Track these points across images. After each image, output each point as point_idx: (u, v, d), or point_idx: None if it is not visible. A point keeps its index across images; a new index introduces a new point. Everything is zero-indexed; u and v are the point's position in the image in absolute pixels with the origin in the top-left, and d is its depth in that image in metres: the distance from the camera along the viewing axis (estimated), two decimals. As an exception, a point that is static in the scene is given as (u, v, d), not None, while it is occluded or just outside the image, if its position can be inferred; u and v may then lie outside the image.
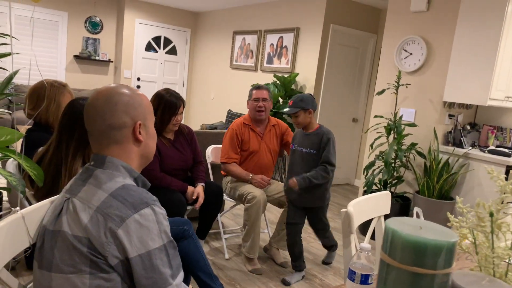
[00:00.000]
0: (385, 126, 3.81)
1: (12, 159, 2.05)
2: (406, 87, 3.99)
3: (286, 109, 2.63)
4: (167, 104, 2.61)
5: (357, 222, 1.51)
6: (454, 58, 3.61)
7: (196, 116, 7.76)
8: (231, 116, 6.22)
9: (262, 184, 2.97)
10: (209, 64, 7.39)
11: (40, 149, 1.90)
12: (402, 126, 3.73)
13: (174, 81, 7.85)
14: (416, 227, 0.66)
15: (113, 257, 0.99)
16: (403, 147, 3.75)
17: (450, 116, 3.85)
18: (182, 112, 2.71)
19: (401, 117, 3.80)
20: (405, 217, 0.71)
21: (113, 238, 0.98)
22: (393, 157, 3.72)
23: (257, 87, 3.08)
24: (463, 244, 0.82)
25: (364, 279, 1.01)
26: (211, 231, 3.46)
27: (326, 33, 5.12)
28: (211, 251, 3.13)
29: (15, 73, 2.84)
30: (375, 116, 3.99)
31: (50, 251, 1.02)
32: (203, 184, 2.80)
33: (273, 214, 4.15)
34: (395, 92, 3.83)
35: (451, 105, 3.83)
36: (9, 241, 1.01)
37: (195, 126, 7.48)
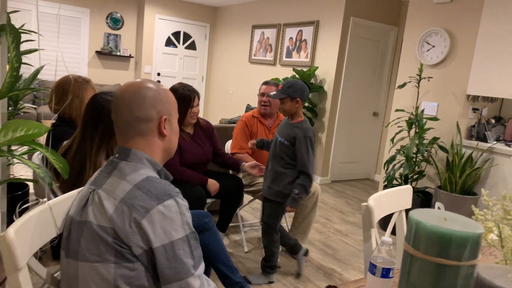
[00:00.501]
0: (406, 120, 3.75)
1: (37, 152, 2.11)
2: (428, 80, 3.91)
3: (272, 93, 2.50)
4: (181, 97, 2.63)
5: (377, 216, 1.50)
6: (479, 50, 3.52)
7: (215, 111, 7.80)
8: (250, 110, 6.23)
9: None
10: (228, 59, 7.41)
11: (65, 143, 1.95)
12: (424, 120, 3.67)
13: (193, 76, 7.90)
14: (441, 218, 0.66)
15: (137, 247, 1.01)
16: (425, 142, 3.68)
17: (474, 109, 3.76)
18: (197, 105, 2.72)
19: (422, 111, 3.73)
20: (429, 208, 0.70)
21: (137, 228, 1.01)
22: (414, 151, 3.66)
23: (265, 82, 3.12)
24: (488, 238, 0.81)
25: (385, 272, 1.01)
26: (230, 224, 3.49)
27: (346, 26, 5.06)
28: (230, 244, 3.16)
29: (40, 68, 2.92)
30: (396, 110, 3.93)
31: (76, 240, 1.05)
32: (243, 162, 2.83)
33: (292, 208, 4.15)
34: (417, 85, 3.76)
35: (475, 98, 3.74)
36: (38, 231, 1.05)
37: (214, 121, 7.52)
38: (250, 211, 3.92)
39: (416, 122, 3.66)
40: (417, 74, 3.72)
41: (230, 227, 3.44)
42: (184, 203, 1.10)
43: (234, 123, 6.08)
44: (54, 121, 2.49)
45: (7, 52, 1.71)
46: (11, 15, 2.07)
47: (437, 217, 0.66)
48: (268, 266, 2.60)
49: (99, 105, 1.81)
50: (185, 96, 2.64)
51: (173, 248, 1.04)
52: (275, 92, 2.46)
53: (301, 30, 5.65)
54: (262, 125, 3.13)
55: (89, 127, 1.79)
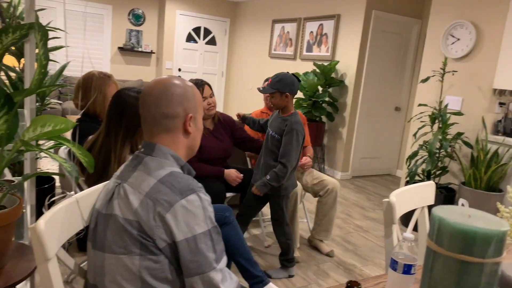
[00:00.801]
0: (429, 115, 3.69)
1: (63, 147, 2.17)
2: (453, 74, 3.83)
3: (259, 88, 2.49)
4: None
5: (399, 212, 1.48)
6: (506, 42, 3.42)
7: (234, 106, 7.83)
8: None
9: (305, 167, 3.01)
10: (248, 54, 7.41)
11: (90, 137, 2.00)
12: (448, 115, 3.59)
13: (213, 71, 7.94)
14: (465, 215, 0.65)
15: (161, 240, 1.04)
16: (449, 137, 3.61)
17: (501, 104, 3.66)
18: (211, 96, 2.67)
19: (446, 106, 3.66)
20: (452, 205, 0.70)
21: (161, 222, 1.03)
22: (437, 147, 3.60)
23: (266, 79, 3.14)
24: (514, 235, 0.80)
25: (407, 269, 1.00)
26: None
27: (368, 19, 4.98)
28: (250, 238, 3.18)
29: (65, 65, 2.99)
30: (419, 105, 3.86)
31: (103, 233, 1.08)
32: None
33: (312, 204, 4.14)
34: (441, 79, 3.69)
35: (501, 92, 3.63)
36: (66, 223, 1.09)
37: (233, 116, 7.56)
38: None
39: (439, 117, 3.59)
40: (441, 68, 3.65)
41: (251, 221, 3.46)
42: (207, 198, 1.12)
43: (254, 118, 6.09)
44: (79, 117, 2.56)
45: (35, 49, 1.76)
46: (38, 13, 2.13)
47: (461, 214, 0.65)
48: (286, 260, 2.61)
49: (122, 100, 1.85)
50: None
51: (195, 242, 1.06)
52: (262, 88, 2.47)
53: (321, 24, 5.60)
54: None
55: (113, 122, 1.83)
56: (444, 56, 3.78)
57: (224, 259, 1.14)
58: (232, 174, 2.69)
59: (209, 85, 2.67)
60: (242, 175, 2.70)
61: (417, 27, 5.37)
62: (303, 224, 3.56)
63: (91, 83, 2.41)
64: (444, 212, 0.66)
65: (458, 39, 3.79)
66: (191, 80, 2.66)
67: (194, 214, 1.06)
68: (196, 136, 1.23)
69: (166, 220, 1.03)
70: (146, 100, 1.16)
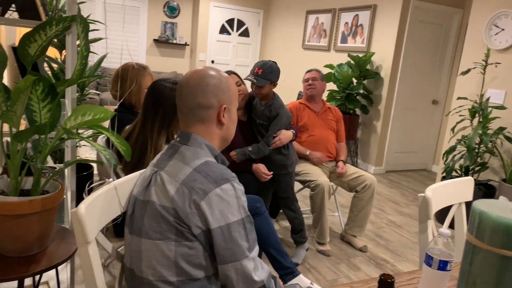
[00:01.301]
0: (469, 109, 3.55)
1: (101, 136, 2.25)
2: (496, 66, 3.66)
3: (253, 80, 2.45)
4: None
5: (435, 208, 1.45)
6: (555, 33, 3.23)
7: (268, 98, 7.82)
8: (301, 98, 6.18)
9: (322, 160, 3.01)
10: (281, 45, 7.36)
11: (127, 127, 2.06)
12: (489, 109, 3.45)
13: (246, 63, 7.95)
14: (507, 209, 0.63)
15: (196, 227, 1.06)
16: (489, 131, 3.47)
17: (547, 98, 3.47)
18: (238, 84, 2.63)
19: (488, 99, 3.51)
20: (494, 199, 0.67)
21: (196, 209, 1.06)
22: (477, 142, 3.47)
23: (308, 70, 3.22)
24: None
25: (442, 265, 0.98)
26: (280, 210, 3.52)
27: (405, 9, 4.83)
28: (281, 230, 3.19)
29: (103, 57, 3.08)
30: (458, 98, 3.73)
31: (140, 218, 1.12)
32: (293, 133, 2.84)
33: (344, 198, 4.10)
34: (483, 72, 3.54)
35: (548, 85, 3.45)
36: (105, 208, 1.13)
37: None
38: (301, 198, 3.93)
39: (480, 110, 3.45)
40: (483, 60, 3.50)
41: (281, 213, 3.47)
42: (240, 187, 1.13)
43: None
44: (116, 107, 2.63)
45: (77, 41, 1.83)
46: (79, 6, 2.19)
47: (503, 208, 0.63)
48: (299, 236, 2.71)
49: (158, 91, 1.89)
50: None
51: (229, 230, 1.07)
52: (256, 80, 2.44)
53: (357, 15, 5.48)
54: (310, 110, 3.13)
55: (149, 113, 1.88)
56: (487, 47, 3.61)
57: (256, 249, 1.15)
58: (260, 169, 2.69)
59: (236, 74, 2.67)
60: (271, 173, 2.67)
61: (458, 16, 5.15)
62: (335, 218, 3.53)
63: (127, 74, 2.48)
64: (486, 205, 0.64)
65: (503, 29, 3.61)
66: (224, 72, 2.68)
67: (228, 203, 1.08)
68: (230, 127, 1.24)
69: (201, 208, 1.06)
70: (183, 91, 1.18)
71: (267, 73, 2.44)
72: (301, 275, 2.02)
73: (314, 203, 2.78)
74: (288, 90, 7.11)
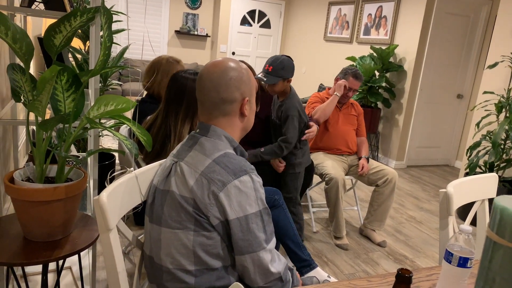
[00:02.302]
0: (495, 103, 3.45)
1: (124, 126, 2.29)
2: (525, 59, 3.54)
3: (263, 78, 2.31)
4: None
5: (456, 204, 1.42)
6: None
7: (288, 90, 7.78)
8: (323, 90, 6.12)
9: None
10: (302, 37, 7.30)
11: (148, 118, 2.09)
12: (517, 104, 3.34)
13: (267, 55, 7.92)
14: None
15: (215, 218, 1.08)
16: (516, 127, 3.36)
17: None
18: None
19: (515, 94, 3.40)
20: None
21: (215, 200, 1.07)
22: (503, 137, 3.37)
23: (356, 76, 2.96)
24: None
25: (463, 262, 0.96)
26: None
27: (431, 1, 4.71)
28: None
29: (126, 48, 3.12)
30: (485, 92, 3.62)
31: (160, 207, 1.14)
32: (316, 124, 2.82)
33: (363, 192, 4.06)
34: (511, 65, 3.42)
35: None
36: (126, 197, 1.15)
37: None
38: (320, 192, 3.91)
39: (507, 105, 3.35)
40: (512, 53, 3.38)
41: (299, 206, 3.47)
42: (258, 179, 1.14)
43: (305, 103, 6.03)
44: (139, 98, 2.68)
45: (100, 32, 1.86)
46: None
47: (526, 205, 0.61)
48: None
49: (181, 83, 1.92)
50: None
51: (247, 221, 1.08)
52: (266, 78, 2.30)
53: (381, 6, 5.38)
54: None
55: (173, 104, 1.91)
56: (516, 40, 3.49)
57: (274, 241, 1.16)
58: (276, 161, 2.69)
59: (249, 66, 2.67)
60: (284, 163, 2.67)
61: (486, 8, 4.99)
62: (354, 212, 3.51)
63: (159, 67, 2.53)
64: (508, 201, 0.63)
65: (533, 21, 3.48)
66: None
67: (246, 195, 1.08)
68: (250, 117, 1.26)
69: (219, 199, 1.07)
70: (205, 85, 1.18)
71: (278, 69, 2.30)
72: (318, 268, 2.02)
73: (328, 197, 2.77)
74: (309, 82, 7.06)
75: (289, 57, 2.37)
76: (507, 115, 3.37)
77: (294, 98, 2.46)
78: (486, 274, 0.65)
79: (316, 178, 3.96)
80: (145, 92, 2.65)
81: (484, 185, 1.57)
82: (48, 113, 1.81)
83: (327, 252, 2.76)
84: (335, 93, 2.93)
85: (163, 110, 1.95)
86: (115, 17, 3.75)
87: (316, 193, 3.89)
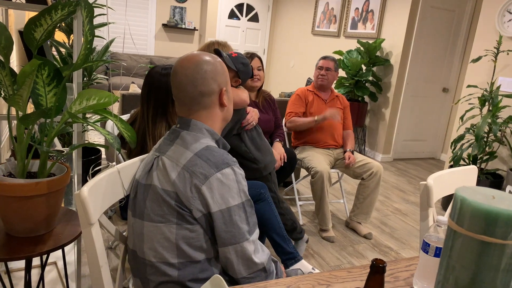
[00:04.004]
0: (479, 97, 3.50)
1: (110, 121, 2.27)
2: (507, 53, 3.59)
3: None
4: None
5: (436, 196, 1.45)
6: None
7: (275, 85, 7.79)
8: (310, 84, 6.14)
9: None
10: (290, 31, 7.30)
11: (132, 111, 2.07)
12: (499, 97, 3.40)
13: (255, 48, 7.90)
14: (489, 196, 0.63)
15: (197, 211, 1.08)
16: (499, 120, 3.43)
17: (560, 86, 3.41)
18: (259, 68, 2.67)
19: (498, 87, 3.45)
20: (478, 186, 0.68)
21: (197, 193, 1.07)
22: (486, 130, 3.43)
23: (324, 57, 3.12)
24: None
25: (439, 252, 0.99)
26: (286, 197, 3.55)
27: (417, -5, 4.75)
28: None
29: (111, 42, 3.09)
30: (468, 86, 3.68)
31: (142, 202, 1.14)
32: (281, 141, 2.83)
33: (350, 185, 4.10)
34: (494, 59, 3.48)
35: (561, 74, 3.38)
36: (108, 191, 1.15)
37: (274, 95, 7.53)
38: (307, 185, 3.94)
39: (490, 99, 3.41)
40: (495, 47, 3.43)
41: (286, 200, 3.50)
42: (241, 172, 1.15)
43: (289, 97, 6.05)
44: (124, 92, 2.65)
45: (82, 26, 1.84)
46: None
47: (485, 195, 0.64)
48: (296, 233, 2.44)
49: (148, 79, 1.86)
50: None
51: (229, 213, 1.09)
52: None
53: (368, 0, 5.40)
54: (318, 98, 3.12)
55: (144, 102, 1.86)
56: (499, 34, 3.54)
57: (257, 232, 1.17)
58: (279, 149, 2.70)
59: (260, 59, 2.70)
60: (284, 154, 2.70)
61: (471, 2, 5.05)
62: (340, 205, 3.55)
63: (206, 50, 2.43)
64: (468, 192, 0.65)
65: (516, 16, 3.53)
66: (246, 53, 2.71)
67: (228, 187, 1.09)
68: (230, 107, 1.26)
69: (202, 192, 1.07)
70: (181, 81, 1.17)
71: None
72: (303, 261, 2.05)
73: (314, 190, 2.80)
74: (297, 76, 7.07)
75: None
76: (490, 108, 3.42)
77: None
78: (447, 262, 0.67)
79: (303, 172, 3.99)
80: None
81: (464, 177, 1.61)
82: (32, 108, 1.79)
83: (313, 245, 2.79)
84: (315, 118, 2.96)
85: (140, 110, 1.90)
86: (99, 11, 3.71)
87: (303, 186, 3.92)
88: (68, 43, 3.02)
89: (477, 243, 0.61)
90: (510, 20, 3.58)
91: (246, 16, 7.65)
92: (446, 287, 0.68)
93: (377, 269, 0.72)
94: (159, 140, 1.81)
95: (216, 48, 2.11)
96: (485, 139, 3.46)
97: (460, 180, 1.59)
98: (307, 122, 3.00)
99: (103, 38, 3.02)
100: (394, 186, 4.22)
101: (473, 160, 3.52)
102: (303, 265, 2.02)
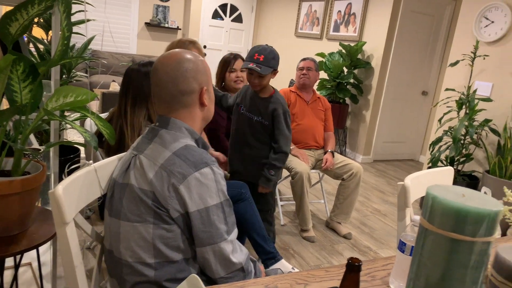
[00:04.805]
0: (456, 100, 3.58)
1: (89, 119, 2.24)
2: (484, 58, 3.68)
3: (256, 68, 2.04)
4: (222, 61, 2.73)
5: (414, 196, 1.47)
6: (543, 26, 3.25)
7: (259, 85, 7.79)
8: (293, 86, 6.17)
9: (304, 159, 2.90)
10: (274, 32, 7.32)
11: (111, 109, 2.05)
12: (476, 101, 3.48)
13: (239, 49, 7.90)
14: (459, 194, 0.65)
15: (175, 211, 1.07)
16: (475, 123, 3.51)
17: (533, 91, 3.51)
18: (242, 70, 2.68)
19: (475, 91, 3.54)
20: (449, 185, 0.70)
21: (175, 193, 1.06)
22: (462, 133, 3.51)
23: (304, 58, 3.20)
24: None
25: (415, 251, 1.00)
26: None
27: (398, -1, 4.83)
28: (267, 216, 3.22)
29: (91, 39, 3.04)
30: (446, 89, 3.76)
31: (119, 201, 1.13)
32: None
33: (331, 185, 4.14)
34: (471, 64, 3.56)
35: (535, 79, 3.49)
36: (84, 190, 1.13)
37: (258, 95, 7.52)
38: (288, 185, 3.95)
39: (467, 102, 3.49)
40: (472, 52, 3.52)
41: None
42: (220, 171, 1.14)
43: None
44: (104, 90, 2.62)
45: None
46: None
47: (455, 193, 0.65)
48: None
49: (126, 76, 1.91)
50: (225, 59, 2.72)
51: (207, 213, 1.09)
52: (260, 68, 2.05)
53: (350, 3, 5.46)
54: (300, 99, 3.14)
55: (123, 95, 1.89)
56: (476, 39, 3.63)
57: (235, 232, 1.17)
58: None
59: (243, 60, 2.72)
60: None
61: (450, 7, 5.16)
62: (321, 205, 3.57)
63: (173, 48, 2.43)
64: (439, 190, 0.66)
65: (492, 22, 3.63)
66: (231, 53, 2.73)
67: (207, 187, 1.08)
68: (210, 107, 1.25)
69: (179, 191, 1.06)
70: (161, 78, 1.16)
71: (269, 59, 2.07)
72: (283, 260, 2.05)
73: (294, 191, 2.81)
74: (279, 78, 7.09)
75: (271, 46, 2.18)
76: (467, 111, 3.50)
77: (279, 93, 2.24)
78: (418, 260, 0.69)
79: (284, 172, 4.00)
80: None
81: (440, 178, 1.64)
82: (7, 104, 1.75)
83: (293, 245, 2.80)
84: (291, 147, 2.94)
85: (117, 107, 1.91)
86: (78, 7, 3.65)
87: (284, 186, 3.93)
88: (47, 39, 2.95)
89: (447, 240, 0.62)
90: (487, 26, 3.67)
91: (230, 16, 7.64)
92: (417, 285, 0.69)
93: (353, 268, 0.73)
94: (137, 128, 1.82)
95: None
96: (462, 141, 3.54)
97: (436, 180, 1.62)
98: None
99: (83, 35, 2.97)
100: (373, 187, 4.28)
101: (451, 161, 3.59)
102: (283, 264, 2.02)
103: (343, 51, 5.08)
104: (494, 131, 3.46)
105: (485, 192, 3.19)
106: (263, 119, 2.20)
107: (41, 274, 1.60)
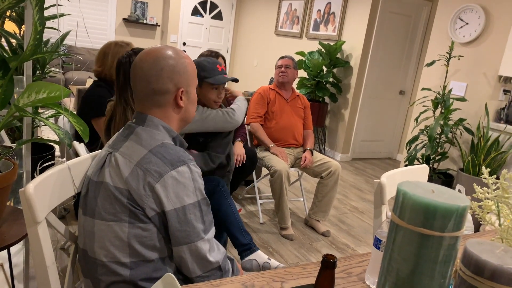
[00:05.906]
0: (432, 100, 3.66)
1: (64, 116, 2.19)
2: (459, 59, 3.78)
3: (236, 78, 2.16)
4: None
5: (390, 193, 1.49)
6: (515, 29, 3.35)
7: (239, 83, 7.78)
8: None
9: (282, 157, 2.94)
10: (254, 30, 7.31)
11: (108, 107, 2.01)
12: (451, 100, 3.57)
13: (219, 47, 7.86)
14: (428, 190, 0.66)
15: (151, 209, 1.05)
16: (450, 122, 3.59)
17: (505, 91, 3.62)
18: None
19: (450, 91, 3.62)
20: (420, 181, 0.71)
21: (151, 191, 1.04)
22: (438, 132, 3.59)
23: (282, 57, 3.21)
24: (487, 216, 0.81)
25: (390, 247, 1.02)
26: (246, 196, 3.55)
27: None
28: (246, 215, 3.22)
29: (66, 34, 2.97)
30: (423, 89, 3.83)
31: (93, 199, 1.10)
32: (242, 141, 2.85)
33: (310, 183, 4.17)
34: (446, 64, 3.64)
35: (507, 79, 3.59)
36: (57, 188, 1.10)
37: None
38: (267, 184, 3.96)
39: (442, 102, 3.57)
40: (447, 52, 3.60)
41: (247, 199, 3.50)
42: (197, 170, 1.13)
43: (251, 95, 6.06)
44: (81, 87, 2.58)
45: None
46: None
47: (425, 189, 0.67)
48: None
49: (125, 66, 1.87)
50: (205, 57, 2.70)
51: (184, 212, 1.07)
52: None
53: (329, 3, 5.50)
54: (280, 96, 3.15)
55: (124, 91, 1.85)
56: (451, 40, 3.72)
57: (212, 230, 1.16)
58: (239, 149, 2.74)
59: (224, 58, 2.71)
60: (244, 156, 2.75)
61: (427, 9, 5.26)
62: (300, 203, 3.59)
63: (108, 51, 2.49)
64: (409, 186, 0.67)
65: (467, 23, 3.72)
66: (211, 52, 2.69)
67: (183, 185, 1.07)
68: (189, 107, 1.21)
69: (155, 190, 1.05)
70: (137, 74, 1.14)
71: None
72: (259, 251, 2.03)
73: (273, 189, 2.82)
74: (259, 76, 7.10)
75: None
76: (442, 111, 3.58)
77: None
78: (389, 255, 0.70)
79: (264, 170, 4.01)
80: (93, 79, 2.61)
81: (416, 176, 1.67)
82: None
83: (272, 243, 2.81)
84: (270, 145, 3.00)
85: (119, 100, 1.87)
86: (52, 1, 3.56)
87: (264, 185, 3.94)
88: (20, 33, 2.87)
89: (416, 235, 0.63)
90: (461, 27, 3.76)
91: (209, 13, 7.59)
92: (388, 279, 0.70)
93: (328, 265, 0.73)
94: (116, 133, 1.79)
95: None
96: (437, 140, 3.62)
97: (412, 178, 1.65)
98: (265, 140, 3.03)
99: (58, 30, 2.90)
100: (352, 185, 4.33)
101: (426, 160, 3.67)
102: (259, 255, 2.00)
103: (323, 50, 5.12)
104: (468, 130, 3.56)
105: (459, 190, 3.27)
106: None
107: (12, 275, 1.56)
